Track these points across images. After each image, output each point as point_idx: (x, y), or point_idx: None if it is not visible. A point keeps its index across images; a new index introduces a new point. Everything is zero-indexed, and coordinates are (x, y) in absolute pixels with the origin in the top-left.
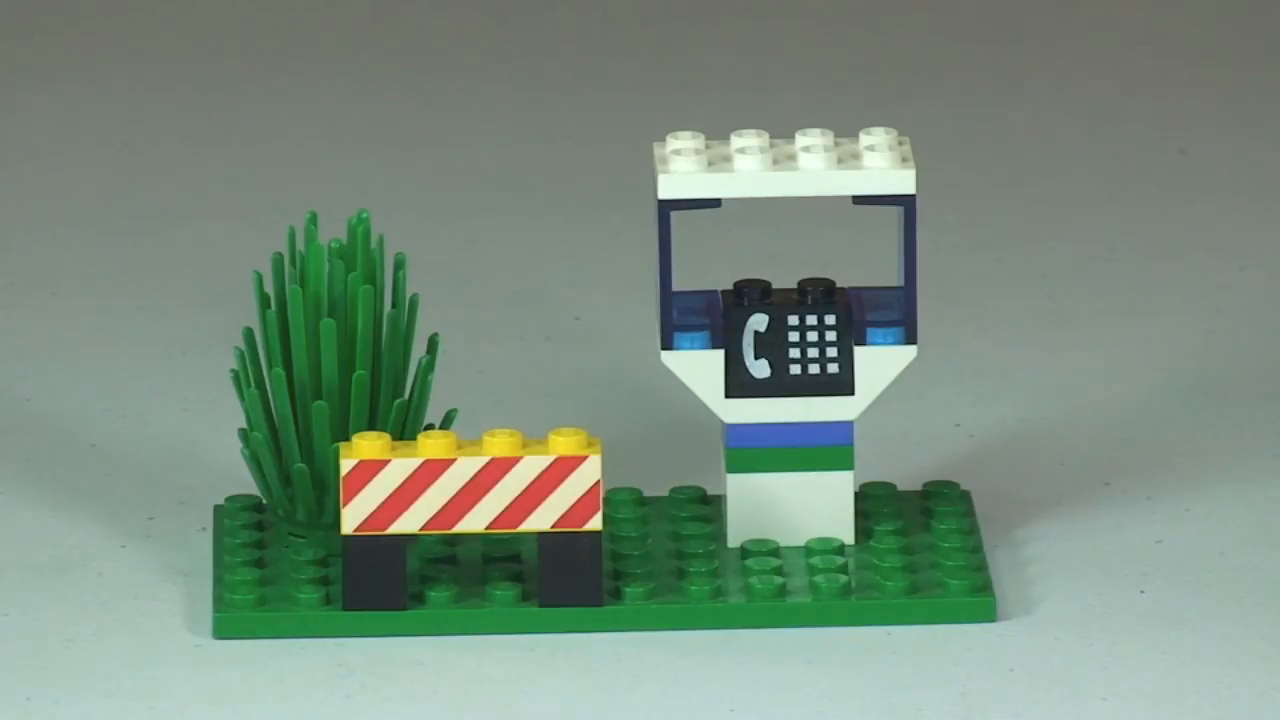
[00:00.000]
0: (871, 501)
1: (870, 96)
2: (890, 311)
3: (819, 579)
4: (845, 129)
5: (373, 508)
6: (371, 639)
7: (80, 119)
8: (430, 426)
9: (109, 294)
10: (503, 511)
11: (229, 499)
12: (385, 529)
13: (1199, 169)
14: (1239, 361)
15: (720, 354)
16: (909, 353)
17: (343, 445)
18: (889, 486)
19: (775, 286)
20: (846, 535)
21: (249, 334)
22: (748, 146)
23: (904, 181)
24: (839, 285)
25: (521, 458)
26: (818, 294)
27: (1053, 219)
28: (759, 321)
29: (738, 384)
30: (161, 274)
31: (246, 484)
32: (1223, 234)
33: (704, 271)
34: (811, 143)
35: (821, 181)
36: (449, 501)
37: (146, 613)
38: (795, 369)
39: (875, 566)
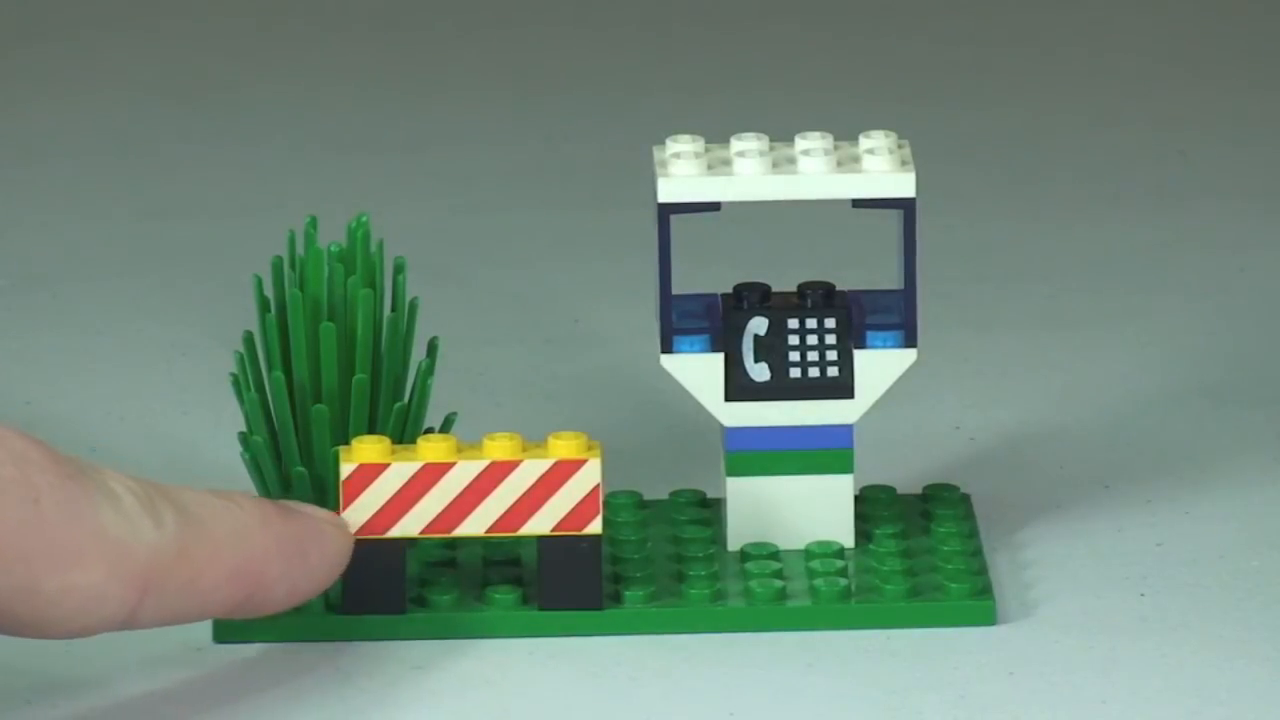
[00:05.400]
0: (871, 505)
1: (870, 99)
2: (890, 315)
3: (819, 582)
4: (845, 132)
5: (372, 511)
6: (371, 643)
7: (80, 119)
8: (430, 430)
9: (109, 295)
10: (503, 515)
11: None
12: (384, 533)
13: (1199, 169)
14: (1239, 363)
15: (720, 357)
16: (909, 356)
17: (342, 449)
18: (889, 490)
19: (775, 290)
20: (846, 538)
21: (249, 337)
22: (747, 150)
23: (904, 185)
24: (839, 288)
25: (521, 461)
26: (817, 297)
27: (1053, 220)
28: (759, 325)
29: (737, 387)
30: (161, 276)
31: (246, 487)
32: (1223, 234)
33: (703, 275)
34: (811, 146)
35: (821, 185)
36: (449, 505)
37: None
38: (795, 372)
39: (875, 570)
